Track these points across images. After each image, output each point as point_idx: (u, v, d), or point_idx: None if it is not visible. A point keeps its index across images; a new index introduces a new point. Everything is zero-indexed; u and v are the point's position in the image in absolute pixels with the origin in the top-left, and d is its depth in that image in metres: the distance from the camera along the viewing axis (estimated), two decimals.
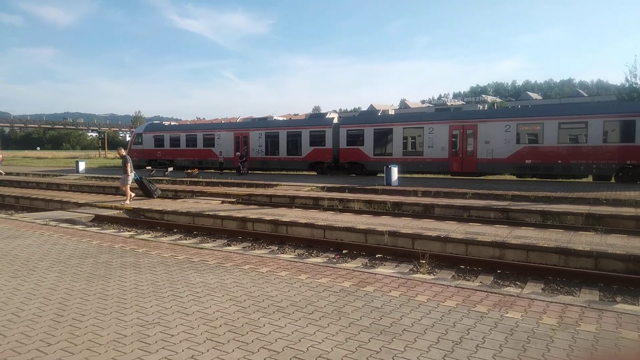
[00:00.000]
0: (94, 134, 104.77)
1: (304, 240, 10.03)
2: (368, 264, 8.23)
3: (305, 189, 18.05)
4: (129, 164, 14.69)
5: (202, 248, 7.74)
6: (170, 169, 28.61)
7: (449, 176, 23.60)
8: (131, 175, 14.88)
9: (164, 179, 23.72)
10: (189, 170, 26.07)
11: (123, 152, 15.52)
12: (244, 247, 9.48)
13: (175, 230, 11.67)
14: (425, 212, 13.51)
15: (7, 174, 29.62)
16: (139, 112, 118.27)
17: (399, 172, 19.82)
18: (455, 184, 19.05)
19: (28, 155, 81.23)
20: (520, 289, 6.53)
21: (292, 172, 28.47)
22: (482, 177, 22.89)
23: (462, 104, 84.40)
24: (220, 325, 4.15)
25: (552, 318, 4.30)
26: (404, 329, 4.04)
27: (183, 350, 3.61)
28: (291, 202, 15.95)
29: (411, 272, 7.39)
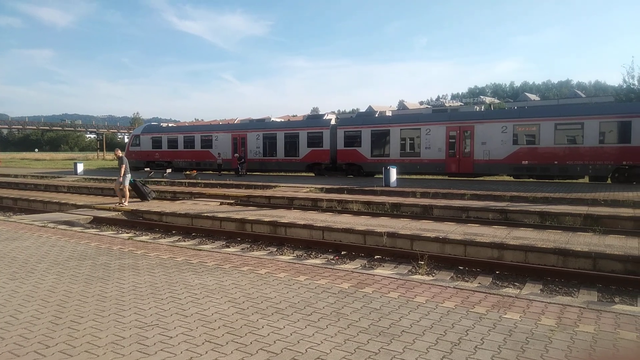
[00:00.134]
0: (92, 136, 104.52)
1: (303, 241, 10.02)
2: (367, 265, 8.23)
3: (304, 190, 18.05)
4: (124, 165, 14.61)
5: (200, 250, 7.73)
6: (169, 170, 28.60)
7: (446, 177, 23.64)
8: (127, 176, 14.78)
9: (162, 181, 23.71)
10: (188, 172, 26.07)
11: (120, 153, 15.44)
12: (242, 249, 9.46)
13: (173, 231, 11.66)
14: (424, 213, 13.53)
15: (4, 175, 29.55)
16: (137, 113, 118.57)
17: (397, 173, 19.85)
18: (454, 185, 19.08)
19: (26, 157, 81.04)
20: (518, 290, 6.55)
21: (290, 174, 28.47)
22: (479, 178, 22.93)
23: (460, 105, 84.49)
24: (219, 327, 4.15)
25: (551, 319, 4.31)
26: (403, 330, 4.04)
27: (182, 352, 3.61)
28: (290, 203, 15.95)
29: (410, 273, 7.40)
